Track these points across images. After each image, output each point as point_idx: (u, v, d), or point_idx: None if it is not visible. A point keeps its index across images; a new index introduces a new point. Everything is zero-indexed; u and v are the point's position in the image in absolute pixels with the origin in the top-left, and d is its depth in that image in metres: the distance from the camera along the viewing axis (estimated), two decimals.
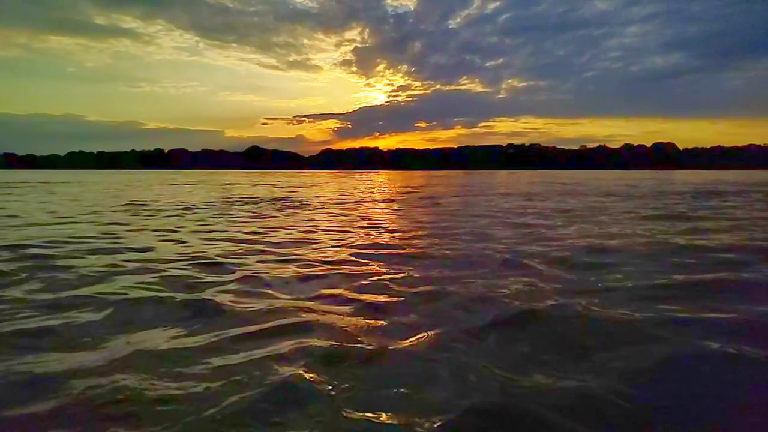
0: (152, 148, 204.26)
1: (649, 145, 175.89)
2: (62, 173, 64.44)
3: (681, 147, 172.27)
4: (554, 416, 1.86)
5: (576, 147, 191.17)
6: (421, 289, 3.73)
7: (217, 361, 2.37)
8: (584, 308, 3.10)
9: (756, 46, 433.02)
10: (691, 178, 39.55)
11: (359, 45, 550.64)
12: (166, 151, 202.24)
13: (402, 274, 4.22)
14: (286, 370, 2.25)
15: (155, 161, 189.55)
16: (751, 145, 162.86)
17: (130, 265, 4.59)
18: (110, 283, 3.93)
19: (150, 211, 10.30)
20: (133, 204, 12.34)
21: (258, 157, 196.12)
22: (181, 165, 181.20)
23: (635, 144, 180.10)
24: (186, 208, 11.07)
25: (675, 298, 3.40)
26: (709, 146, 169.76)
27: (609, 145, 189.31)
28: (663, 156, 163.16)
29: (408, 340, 2.66)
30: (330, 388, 2.11)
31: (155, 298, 3.47)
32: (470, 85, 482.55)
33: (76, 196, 15.80)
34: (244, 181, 32.04)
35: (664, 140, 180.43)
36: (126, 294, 3.57)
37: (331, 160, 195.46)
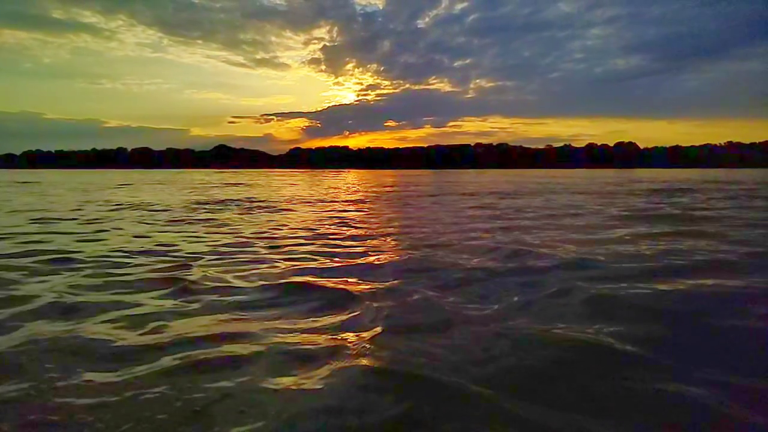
0: (114, 147, 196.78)
1: (611, 144, 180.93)
2: (18, 173, 61.38)
3: (642, 146, 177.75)
4: None
5: (542, 146, 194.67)
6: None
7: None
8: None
9: (711, 49, 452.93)
10: (656, 175, 40.83)
11: (328, 43, 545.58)
12: (128, 150, 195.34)
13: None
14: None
15: (117, 160, 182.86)
16: (707, 144, 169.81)
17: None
18: None
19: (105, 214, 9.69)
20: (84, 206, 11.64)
21: (225, 156, 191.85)
22: (144, 164, 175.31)
23: (599, 143, 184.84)
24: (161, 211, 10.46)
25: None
26: (668, 146, 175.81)
27: (574, 144, 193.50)
28: (625, 155, 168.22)
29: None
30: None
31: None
32: (439, 84, 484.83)
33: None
34: (214, 180, 31.10)
35: (626, 140, 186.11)
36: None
37: (300, 159, 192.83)
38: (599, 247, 5.41)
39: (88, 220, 8.68)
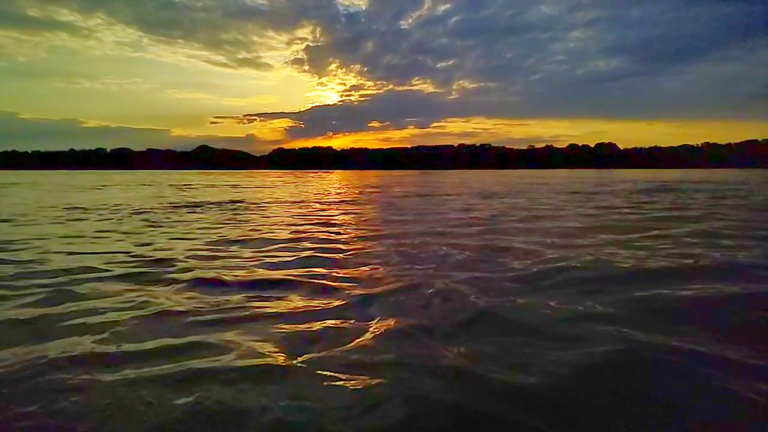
0: (93, 148, 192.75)
1: (592, 145, 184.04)
2: None
3: (621, 147, 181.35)
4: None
5: (524, 147, 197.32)
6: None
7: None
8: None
9: (689, 52, 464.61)
10: (637, 176, 41.56)
11: (311, 44, 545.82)
12: (108, 150, 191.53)
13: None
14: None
15: (96, 161, 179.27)
16: (684, 145, 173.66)
17: None
18: None
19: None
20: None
21: (207, 157, 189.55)
22: (125, 165, 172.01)
23: (580, 144, 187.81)
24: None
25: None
26: (647, 146, 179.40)
27: (555, 144, 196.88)
28: (605, 155, 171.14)
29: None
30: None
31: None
32: (422, 85, 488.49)
33: None
34: (198, 181, 30.64)
35: (606, 140, 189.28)
36: None
37: (283, 159, 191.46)
38: (608, 247, 5.38)
39: (82, 222, 8.43)
